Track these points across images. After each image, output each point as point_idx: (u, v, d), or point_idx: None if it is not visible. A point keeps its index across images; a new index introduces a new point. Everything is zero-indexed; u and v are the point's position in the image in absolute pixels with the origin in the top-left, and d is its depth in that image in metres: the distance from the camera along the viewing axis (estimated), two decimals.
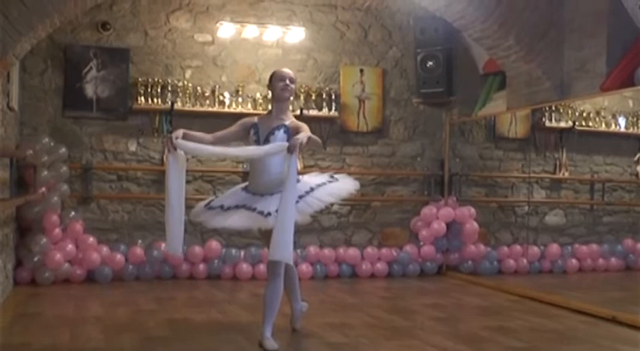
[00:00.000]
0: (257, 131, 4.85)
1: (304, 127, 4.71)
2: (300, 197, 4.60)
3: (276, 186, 4.67)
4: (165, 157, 7.96)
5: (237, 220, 4.71)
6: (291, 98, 5.04)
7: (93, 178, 7.89)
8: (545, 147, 9.17)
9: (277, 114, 4.89)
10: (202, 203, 5.02)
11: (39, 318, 5.65)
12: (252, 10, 8.36)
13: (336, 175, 5.11)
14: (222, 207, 4.82)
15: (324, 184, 4.90)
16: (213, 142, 4.88)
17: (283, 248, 4.44)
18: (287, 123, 4.81)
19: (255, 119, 4.99)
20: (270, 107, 5.16)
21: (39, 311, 5.93)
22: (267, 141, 4.76)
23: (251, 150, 4.81)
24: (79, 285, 7.35)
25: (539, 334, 5.42)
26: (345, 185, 5.04)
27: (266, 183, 4.74)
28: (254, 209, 4.64)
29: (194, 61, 8.24)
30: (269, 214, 4.55)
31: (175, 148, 4.63)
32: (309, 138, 4.53)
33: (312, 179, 4.92)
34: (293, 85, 4.93)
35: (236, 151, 4.94)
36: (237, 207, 4.74)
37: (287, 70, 4.98)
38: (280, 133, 4.74)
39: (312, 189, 4.74)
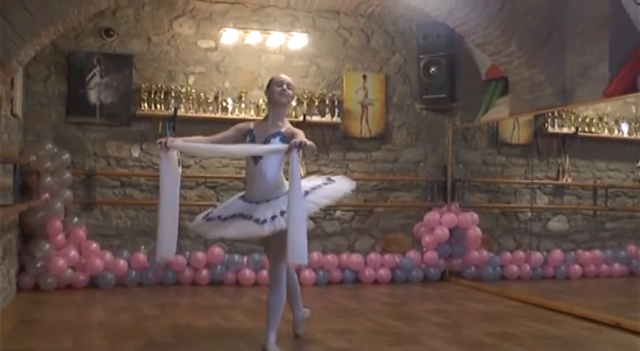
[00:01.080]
0: (253, 138, 4.81)
1: (300, 133, 4.69)
2: None
3: (272, 192, 4.68)
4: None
5: (234, 230, 4.72)
6: (290, 104, 5.01)
7: (96, 184, 7.90)
8: (547, 153, 9.17)
9: (274, 120, 4.85)
10: (201, 215, 5.02)
11: (42, 324, 5.65)
12: (255, 16, 8.38)
13: (333, 177, 5.11)
14: (220, 217, 4.81)
15: (320, 186, 4.88)
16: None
17: (300, 250, 4.39)
18: (283, 130, 4.78)
19: (251, 125, 4.94)
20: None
21: (42, 317, 5.94)
22: None
23: (248, 147, 4.77)
24: (82, 291, 7.36)
25: (542, 341, 5.41)
26: (340, 186, 5.02)
27: (262, 189, 4.71)
28: (250, 218, 4.62)
29: (197, 68, 8.26)
30: (265, 221, 4.54)
31: (168, 148, 4.61)
32: (307, 144, 4.49)
33: (307, 183, 4.87)
34: (290, 91, 4.89)
35: (233, 148, 4.85)
36: (234, 216, 4.73)
37: (285, 76, 4.97)
38: (277, 141, 4.70)
39: (307, 192, 4.70)
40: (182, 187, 7.92)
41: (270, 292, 4.75)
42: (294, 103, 8.36)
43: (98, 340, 5.11)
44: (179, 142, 4.69)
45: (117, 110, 7.98)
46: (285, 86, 4.86)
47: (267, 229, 4.53)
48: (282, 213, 4.51)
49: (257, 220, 4.57)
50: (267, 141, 4.74)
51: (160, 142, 4.63)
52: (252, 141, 4.81)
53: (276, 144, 4.69)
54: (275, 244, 4.66)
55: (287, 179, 4.60)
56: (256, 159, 4.73)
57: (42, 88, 7.80)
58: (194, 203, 7.79)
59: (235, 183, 8.16)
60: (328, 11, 8.66)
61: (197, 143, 4.81)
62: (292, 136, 4.66)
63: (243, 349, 4.89)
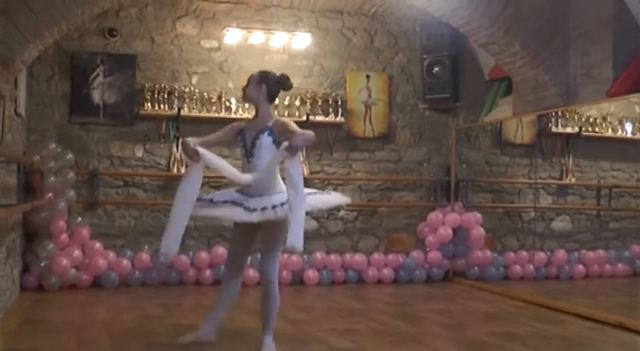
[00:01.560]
0: (243, 137, 4.80)
1: (288, 123, 4.67)
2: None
3: (266, 189, 4.64)
4: (175, 162, 8.00)
5: (221, 212, 4.67)
6: (263, 100, 4.81)
7: (99, 183, 7.91)
8: (551, 153, 9.15)
9: (259, 116, 4.83)
10: None
11: (45, 324, 5.66)
12: (259, 16, 8.39)
13: (330, 192, 5.12)
14: (211, 200, 4.79)
15: (315, 193, 4.91)
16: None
17: (297, 238, 4.35)
18: (270, 124, 4.74)
19: (243, 124, 4.93)
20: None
21: (45, 317, 5.95)
22: (253, 146, 4.71)
23: (257, 174, 4.66)
24: (85, 290, 7.37)
25: (545, 341, 5.41)
26: (335, 197, 5.10)
27: (256, 185, 4.66)
28: (241, 205, 4.61)
29: (200, 67, 8.27)
30: (254, 209, 4.53)
31: (198, 159, 4.60)
32: (300, 135, 4.44)
33: (305, 189, 4.86)
34: (247, 88, 4.86)
35: (243, 177, 4.72)
36: (225, 202, 4.71)
37: (252, 74, 4.94)
38: (265, 136, 4.68)
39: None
40: None
41: (262, 292, 4.75)
42: (297, 102, 8.39)
43: (102, 339, 5.12)
44: (206, 151, 4.64)
45: (120, 110, 7.99)
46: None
47: (254, 217, 4.51)
48: (273, 207, 4.51)
49: (247, 208, 4.56)
50: (256, 138, 4.71)
51: (186, 152, 4.61)
52: (243, 141, 4.79)
53: (268, 145, 4.65)
54: (266, 241, 4.67)
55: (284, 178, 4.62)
56: (249, 157, 4.74)
57: (45, 87, 7.81)
58: None
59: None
60: (331, 11, 8.66)
61: (220, 161, 4.77)
62: (282, 126, 4.67)
63: (246, 349, 4.89)
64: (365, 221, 8.78)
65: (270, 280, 4.71)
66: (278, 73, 4.91)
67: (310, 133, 4.51)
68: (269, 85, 4.81)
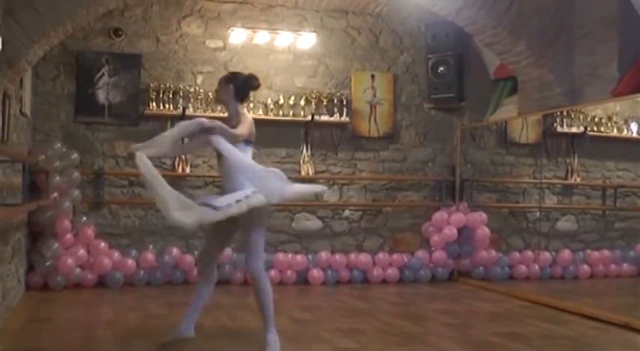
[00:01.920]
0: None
1: (241, 120, 4.74)
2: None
3: (240, 184, 4.64)
4: (180, 162, 8.01)
5: (193, 218, 4.48)
6: (231, 99, 4.93)
7: (104, 183, 7.92)
8: (556, 152, 9.15)
9: (228, 116, 4.89)
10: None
11: (50, 323, 5.67)
12: (264, 15, 8.39)
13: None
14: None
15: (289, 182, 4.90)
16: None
17: (272, 192, 4.52)
18: (234, 123, 4.78)
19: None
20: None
21: (50, 316, 5.96)
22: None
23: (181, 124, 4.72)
24: (90, 290, 7.38)
25: (550, 341, 5.40)
26: (310, 186, 5.38)
27: (227, 183, 4.74)
28: (209, 205, 4.53)
29: (205, 67, 8.27)
30: (220, 208, 4.46)
31: (134, 155, 4.71)
32: (218, 126, 4.51)
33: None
34: (217, 89, 5.00)
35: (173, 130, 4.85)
36: (202, 204, 4.61)
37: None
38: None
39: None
40: (190, 186, 8.03)
41: (254, 291, 4.76)
42: (302, 102, 8.39)
43: (106, 339, 5.13)
44: (136, 145, 4.82)
45: (125, 110, 8.00)
46: None
47: (219, 215, 4.45)
48: (237, 201, 4.49)
49: (214, 207, 4.50)
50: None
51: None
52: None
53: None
54: (243, 237, 4.71)
55: None
56: (219, 156, 4.76)
57: (51, 87, 7.82)
58: None
59: None
60: (336, 11, 8.66)
61: (150, 140, 4.81)
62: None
63: (248, 348, 4.89)
64: (370, 221, 8.78)
65: (257, 277, 4.72)
66: (246, 73, 4.99)
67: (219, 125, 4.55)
68: (236, 84, 4.89)
